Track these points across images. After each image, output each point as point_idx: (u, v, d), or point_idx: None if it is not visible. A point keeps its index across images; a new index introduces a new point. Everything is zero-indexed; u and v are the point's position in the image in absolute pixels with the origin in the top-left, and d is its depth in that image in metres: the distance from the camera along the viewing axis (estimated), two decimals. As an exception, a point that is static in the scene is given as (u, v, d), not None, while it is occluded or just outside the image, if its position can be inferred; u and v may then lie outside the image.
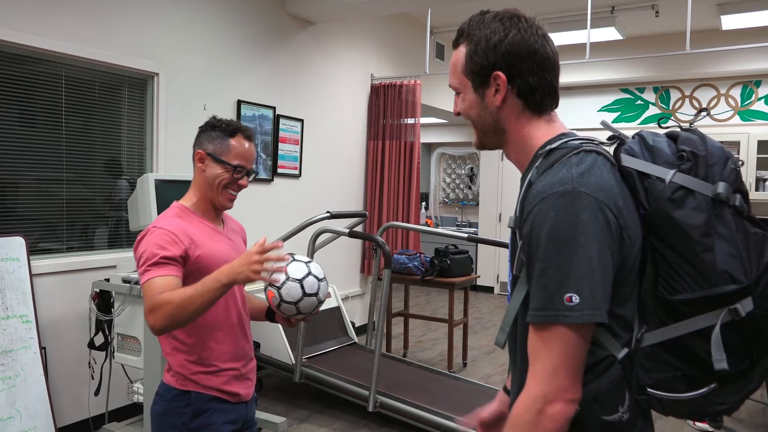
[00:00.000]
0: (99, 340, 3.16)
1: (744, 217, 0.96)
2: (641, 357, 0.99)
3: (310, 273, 1.66)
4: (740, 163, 1.00)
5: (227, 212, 1.89)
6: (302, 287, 1.62)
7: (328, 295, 1.77)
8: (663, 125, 1.10)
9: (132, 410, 3.59)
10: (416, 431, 3.52)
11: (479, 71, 1.09)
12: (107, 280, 3.10)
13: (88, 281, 3.31)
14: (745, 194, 0.98)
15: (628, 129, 7.45)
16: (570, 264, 0.93)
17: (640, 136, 1.04)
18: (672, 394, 0.97)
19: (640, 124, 7.45)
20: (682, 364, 0.96)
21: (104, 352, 3.20)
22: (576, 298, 0.92)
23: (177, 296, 1.53)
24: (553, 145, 1.05)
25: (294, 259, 1.67)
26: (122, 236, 3.74)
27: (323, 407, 3.99)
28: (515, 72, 1.06)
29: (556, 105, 1.12)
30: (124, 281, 3.00)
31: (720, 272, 0.92)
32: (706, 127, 7.02)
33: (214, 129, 1.74)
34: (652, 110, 7.42)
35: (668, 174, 0.96)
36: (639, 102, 7.50)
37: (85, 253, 3.52)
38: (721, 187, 0.94)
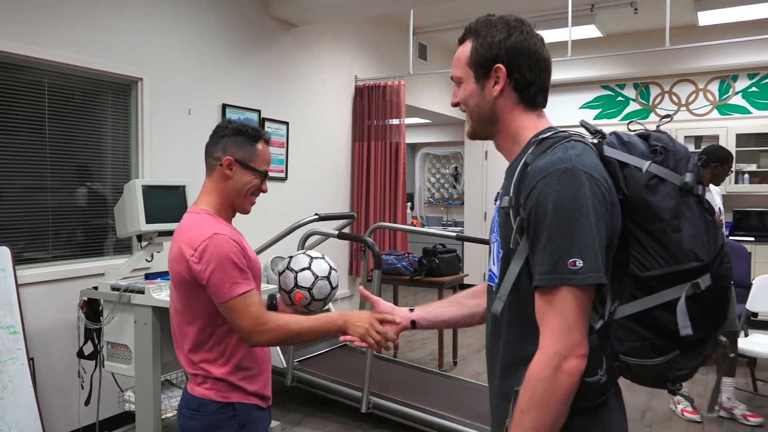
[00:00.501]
0: (88, 349, 3.12)
1: (704, 207, 1.10)
2: (615, 328, 1.10)
3: (331, 268, 1.76)
4: (700, 160, 1.17)
5: None
6: (330, 283, 1.73)
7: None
8: (630, 128, 1.25)
9: (123, 419, 3.55)
10: (410, 431, 3.53)
11: (483, 62, 1.21)
12: (95, 288, 3.07)
13: (75, 290, 3.27)
14: (704, 187, 1.12)
15: (610, 125, 7.54)
16: (574, 232, 1.04)
17: (616, 134, 1.18)
18: (641, 360, 1.09)
19: (622, 120, 7.54)
20: (650, 334, 1.08)
21: (94, 361, 3.17)
22: (579, 263, 1.03)
23: (295, 324, 1.59)
24: (545, 135, 1.17)
25: (311, 257, 1.75)
26: (109, 244, 3.70)
27: (316, 410, 3.99)
28: (515, 66, 1.19)
29: (545, 104, 1.25)
30: (113, 289, 2.97)
31: (686, 251, 1.06)
32: (686, 121, 7.13)
33: (239, 134, 1.71)
34: (633, 106, 7.51)
35: (645, 164, 1.10)
36: (620, 98, 7.59)
37: (72, 261, 3.48)
38: (688, 177, 1.09)
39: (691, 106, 7.19)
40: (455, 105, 1.30)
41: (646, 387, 1.20)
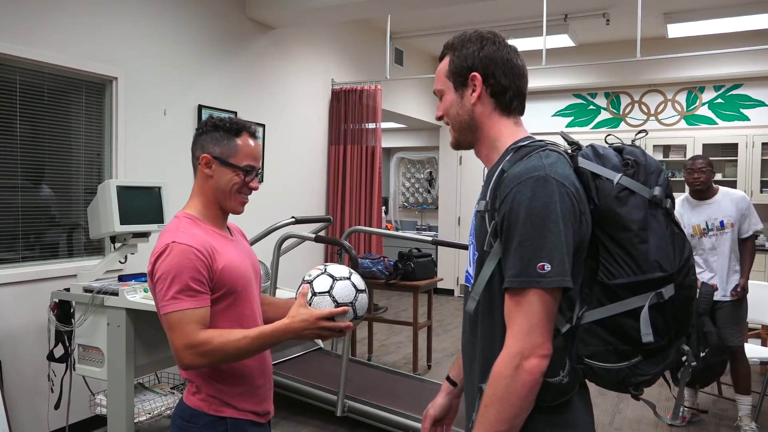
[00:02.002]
0: (59, 351, 3.06)
1: (671, 220, 1.16)
2: (582, 332, 1.16)
3: (351, 273, 1.57)
4: (670, 174, 1.16)
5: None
6: (353, 284, 1.53)
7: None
8: (607, 141, 1.30)
9: (94, 423, 3.49)
10: (385, 434, 3.54)
11: (459, 72, 1.27)
12: (67, 289, 3.01)
13: (46, 291, 3.21)
14: (673, 201, 1.17)
15: (581, 133, 7.68)
16: (544, 238, 1.09)
17: (592, 147, 1.23)
18: (604, 364, 1.15)
19: (593, 128, 7.69)
20: (614, 340, 1.14)
21: (64, 364, 3.11)
22: (547, 267, 1.08)
23: (224, 344, 1.45)
24: (523, 143, 1.22)
25: (327, 267, 1.57)
26: (81, 245, 3.64)
27: (290, 413, 3.97)
28: (489, 73, 1.25)
29: (523, 111, 1.30)
30: (86, 290, 2.92)
31: (651, 261, 1.11)
32: (655, 131, 7.31)
33: (217, 129, 1.59)
34: (604, 115, 7.67)
35: (616, 176, 1.15)
36: (591, 107, 7.74)
37: (43, 262, 3.41)
38: (657, 191, 1.14)
39: (659, 116, 7.38)
40: (439, 118, 1.35)
41: (612, 391, 1.23)
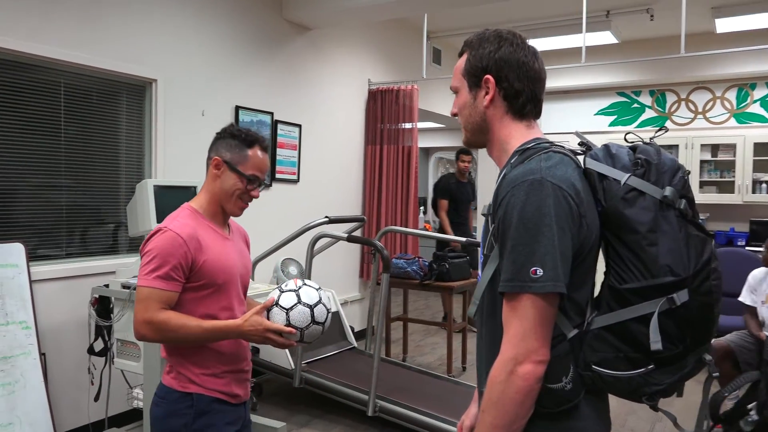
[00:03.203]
0: (98, 345, 3.16)
1: (688, 221, 1.10)
2: (590, 338, 1.13)
3: (320, 301, 1.70)
4: (688, 172, 1.16)
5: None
6: (312, 314, 1.67)
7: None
8: (627, 139, 1.25)
9: (132, 416, 3.59)
10: (416, 435, 3.52)
11: (474, 72, 1.26)
12: (107, 285, 3.11)
13: (87, 287, 3.32)
14: (690, 200, 1.12)
15: (625, 132, 7.47)
16: (536, 242, 1.07)
17: (605, 146, 1.19)
18: (613, 371, 1.11)
19: (637, 127, 7.48)
20: (624, 346, 1.10)
21: (104, 358, 3.21)
22: (540, 271, 1.06)
23: (179, 327, 1.61)
24: (529, 145, 1.20)
25: (305, 284, 1.71)
26: (121, 242, 3.75)
27: (323, 412, 3.99)
28: (503, 76, 1.22)
29: (538, 115, 1.27)
30: (124, 287, 3.01)
31: (661, 265, 1.07)
32: (702, 129, 7.05)
33: (234, 138, 1.76)
34: (649, 113, 7.45)
35: (623, 177, 1.12)
36: (635, 105, 7.53)
37: (85, 259, 3.53)
38: (668, 191, 1.09)
39: (708, 114, 7.12)
40: (454, 115, 1.34)
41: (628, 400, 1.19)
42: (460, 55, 1.32)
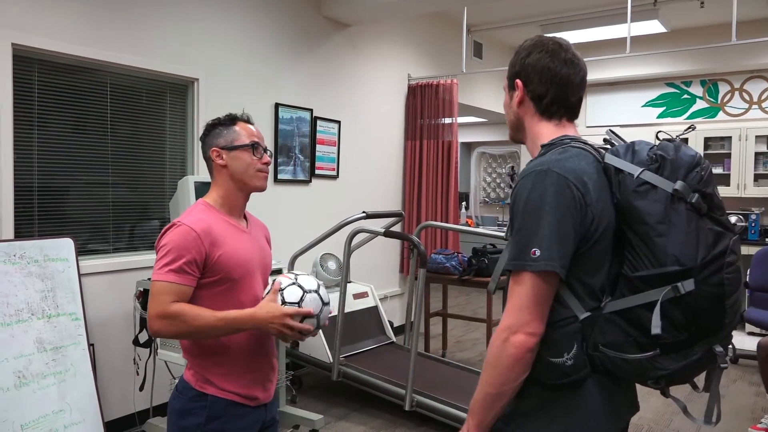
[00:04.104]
0: (143, 337, 3.27)
1: (703, 215, 1.15)
2: (602, 321, 1.21)
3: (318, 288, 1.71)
4: (710, 169, 1.20)
5: (249, 211, 1.88)
6: (321, 299, 1.69)
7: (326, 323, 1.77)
8: (659, 137, 1.31)
9: (175, 406, 3.70)
10: (453, 431, 3.51)
11: (510, 76, 1.42)
12: (150, 279, 3.20)
13: (133, 280, 3.44)
14: (707, 195, 1.16)
15: (675, 124, 7.25)
16: (537, 226, 1.19)
17: (631, 143, 1.27)
18: (621, 353, 1.18)
19: (688, 118, 7.22)
20: (633, 331, 1.17)
21: (148, 349, 3.31)
22: (538, 252, 1.18)
23: (193, 320, 1.57)
24: (552, 141, 1.32)
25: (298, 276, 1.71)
26: (165, 237, 3.86)
27: (361, 405, 4.03)
28: (529, 80, 1.37)
29: (572, 115, 1.38)
30: (166, 280, 3.10)
31: (668, 255, 1.13)
32: (758, 120, 6.76)
33: (215, 127, 1.77)
34: (700, 104, 7.18)
35: (637, 171, 1.19)
36: (686, 96, 7.27)
37: (130, 253, 3.65)
38: (679, 185, 1.15)
39: (763, 104, 6.81)
40: None
41: (638, 384, 1.28)
42: None
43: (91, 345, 3.25)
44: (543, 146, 1.33)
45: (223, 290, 1.67)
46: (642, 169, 1.19)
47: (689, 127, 1.41)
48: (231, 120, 1.77)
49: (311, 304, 1.64)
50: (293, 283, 1.66)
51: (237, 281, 1.69)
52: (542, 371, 1.23)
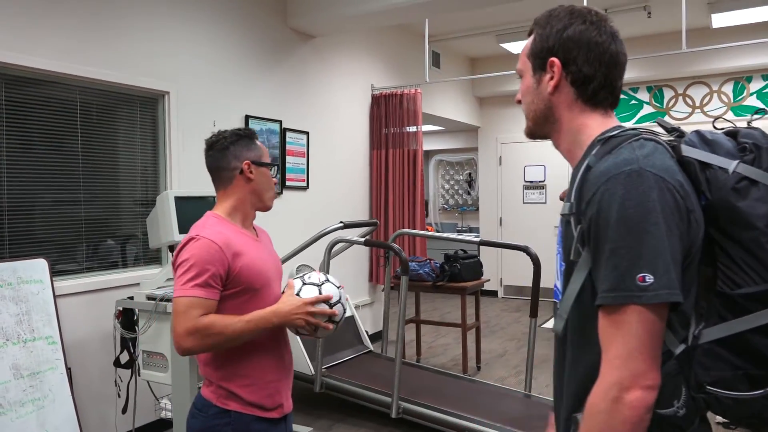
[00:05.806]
0: (124, 357, 3.18)
1: None
2: (700, 354, 0.97)
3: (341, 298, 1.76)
4: None
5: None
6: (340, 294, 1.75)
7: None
8: (716, 126, 1.10)
9: (159, 426, 3.60)
10: (440, 435, 3.55)
11: (538, 53, 1.12)
12: (131, 298, 3.12)
13: (111, 300, 3.34)
14: None
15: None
16: (642, 243, 0.91)
17: (697, 132, 1.05)
18: (732, 392, 0.95)
19: (636, 123, 7.56)
20: (744, 363, 0.94)
21: (130, 370, 3.22)
22: (650, 278, 0.90)
23: (224, 329, 1.57)
24: (612, 134, 1.04)
25: (328, 280, 1.76)
26: (140, 255, 3.77)
27: (345, 416, 4.02)
28: (570, 58, 1.08)
29: (615, 104, 1.12)
30: (149, 298, 3.03)
31: None
32: (699, 123, 7.14)
33: (241, 138, 1.76)
34: (647, 109, 7.53)
35: (731, 164, 0.97)
36: (633, 102, 7.62)
37: (107, 272, 3.55)
38: None
39: (705, 108, 7.21)
40: (519, 102, 1.20)
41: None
42: (529, 34, 1.17)
43: (68, 368, 3.13)
44: (599, 140, 1.04)
45: (244, 300, 1.66)
46: (737, 161, 0.96)
47: (760, 110, 1.17)
48: (252, 135, 1.79)
49: (329, 291, 1.70)
50: (304, 283, 1.72)
51: (258, 291, 1.69)
52: (651, 430, 0.93)
